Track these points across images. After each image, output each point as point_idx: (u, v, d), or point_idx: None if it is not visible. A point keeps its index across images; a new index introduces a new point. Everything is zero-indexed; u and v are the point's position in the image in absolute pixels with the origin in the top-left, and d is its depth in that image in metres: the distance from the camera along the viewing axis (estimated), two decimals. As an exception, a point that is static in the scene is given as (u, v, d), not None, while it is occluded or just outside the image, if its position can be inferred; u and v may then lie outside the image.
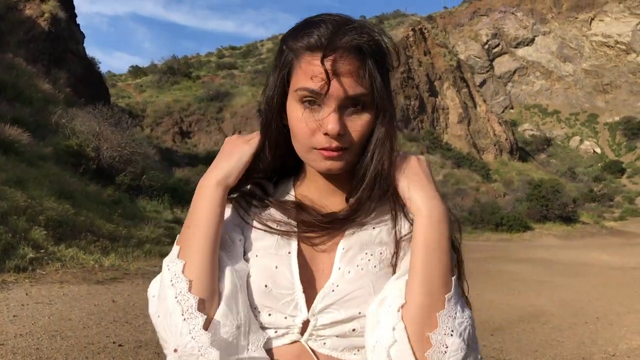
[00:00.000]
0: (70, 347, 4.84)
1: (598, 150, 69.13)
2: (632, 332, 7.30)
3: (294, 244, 1.04)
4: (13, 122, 13.71)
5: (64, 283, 7.63)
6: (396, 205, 1.05)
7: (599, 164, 62.24)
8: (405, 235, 1.03)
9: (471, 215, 28.53)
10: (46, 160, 13.59)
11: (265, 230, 1.05)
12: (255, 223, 1.07)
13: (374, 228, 1.05)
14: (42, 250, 8.93)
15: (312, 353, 0.98)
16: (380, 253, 1.03)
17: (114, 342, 5.13)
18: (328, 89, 0.93)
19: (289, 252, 1.03)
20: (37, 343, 4.86)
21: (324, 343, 0.99)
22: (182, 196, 17.92)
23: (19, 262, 8.11)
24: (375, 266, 1.01)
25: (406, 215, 1.05)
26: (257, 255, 1.04)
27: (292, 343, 0.99)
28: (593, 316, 8.30)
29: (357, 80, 0.95)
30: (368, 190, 1.01)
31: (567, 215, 32.04)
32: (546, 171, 54.59)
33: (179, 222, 15.21)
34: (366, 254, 1.02)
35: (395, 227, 1.05)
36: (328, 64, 0.92)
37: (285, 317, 0.99)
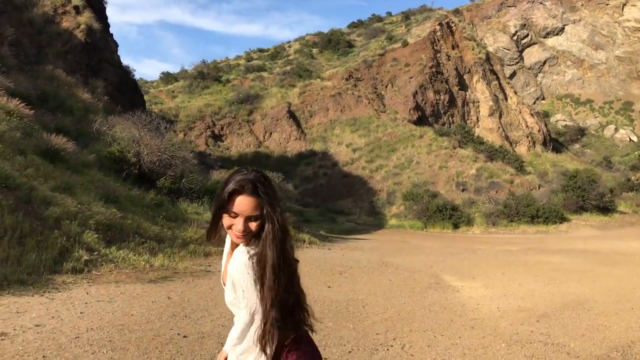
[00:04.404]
0: (139, 339, 5.16)
1: (634, 139, 67.48)
2: (679, 317, 7.30)
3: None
4: (57, 131, 14.22)
5: (119, 283, 7.99)
6: None
7: (636, 152, 60.75)
8: None
9: (506, 208, 28.30)
10: (90, 167, 14.05)
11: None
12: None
13: None
14: (95, 253, 9.33)
15: None
16: None
17: (178, 334, 5.43)
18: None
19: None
20: (109, 336, 5.19)
21: None
22: (220, 198, 18.27)
23: (75, 264, 8.51)
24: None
25: None
26: None
27: None
28: (638, 302, 8.31)
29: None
30: None
31: (605, 206, 31.53)
32: (581, 161, 53.65)
33: (219, 223, 15.56)
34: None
35: None
36: None
37: None
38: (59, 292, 6.99)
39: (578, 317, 7.26)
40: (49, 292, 6.90)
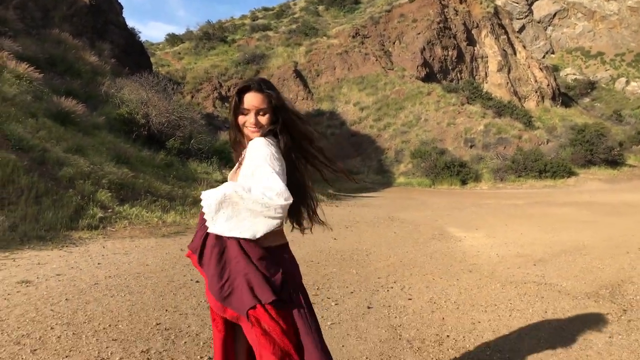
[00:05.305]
0: (155, 284, 5.50)
1: (646, 91, 66.64)
2: (672, 260, 7.55)
3: None
4: (67, 94, 14.48)
5: (134, 237, 8.34)
6: None
7: (647, 105, 60.09)
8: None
9: (514, 164, 28.40)
10: (100, 129, 14.34)
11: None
12: None
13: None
14: (109, 210, 9.67)
15: None
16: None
17: (191, 280, 5.77)
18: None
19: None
20: (126, 282, 5.53)
21: None
22: (229, 158, 18.55)
23: (90, 221, 8.87)
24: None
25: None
26: None
27: None
28: (635, 247, 8.56)
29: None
30: None
31: (613, 159, 31.52)
32: (591, 115, 53.24)
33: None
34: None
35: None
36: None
37: None
38: (76, 246, 7.34)
39: (574, 261, 7.54)
40: (66, 246, 7.25)
